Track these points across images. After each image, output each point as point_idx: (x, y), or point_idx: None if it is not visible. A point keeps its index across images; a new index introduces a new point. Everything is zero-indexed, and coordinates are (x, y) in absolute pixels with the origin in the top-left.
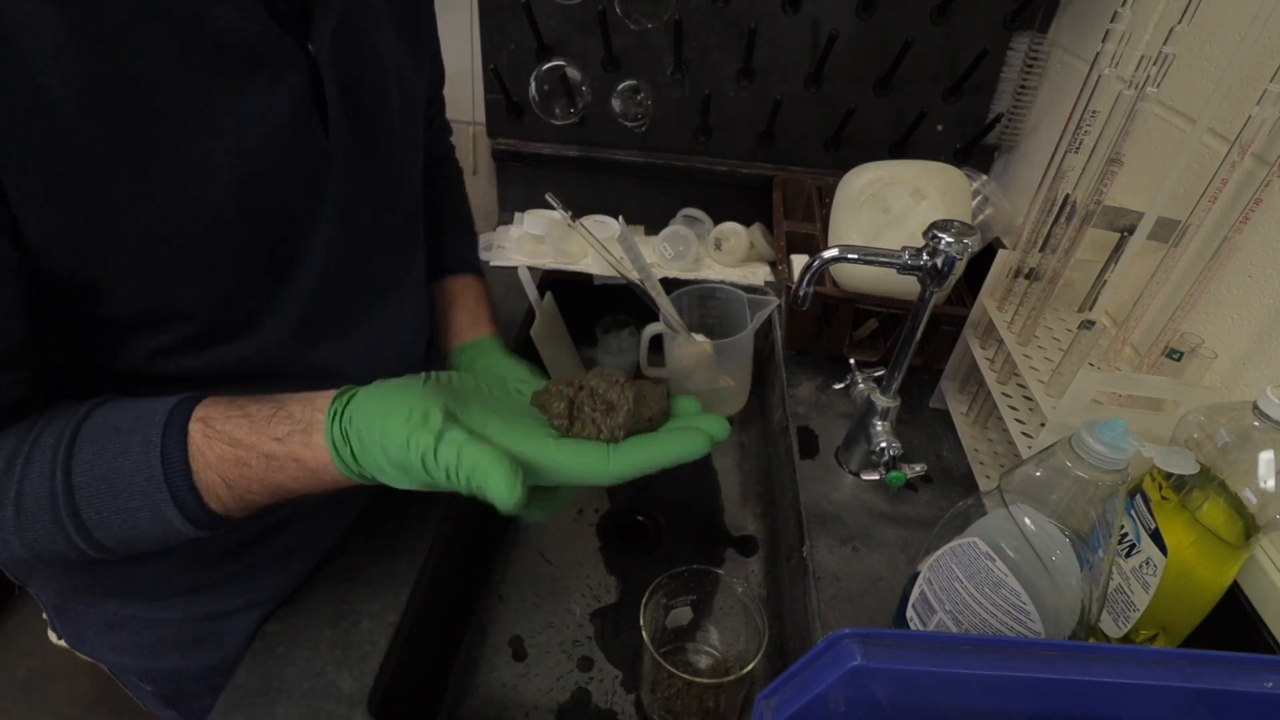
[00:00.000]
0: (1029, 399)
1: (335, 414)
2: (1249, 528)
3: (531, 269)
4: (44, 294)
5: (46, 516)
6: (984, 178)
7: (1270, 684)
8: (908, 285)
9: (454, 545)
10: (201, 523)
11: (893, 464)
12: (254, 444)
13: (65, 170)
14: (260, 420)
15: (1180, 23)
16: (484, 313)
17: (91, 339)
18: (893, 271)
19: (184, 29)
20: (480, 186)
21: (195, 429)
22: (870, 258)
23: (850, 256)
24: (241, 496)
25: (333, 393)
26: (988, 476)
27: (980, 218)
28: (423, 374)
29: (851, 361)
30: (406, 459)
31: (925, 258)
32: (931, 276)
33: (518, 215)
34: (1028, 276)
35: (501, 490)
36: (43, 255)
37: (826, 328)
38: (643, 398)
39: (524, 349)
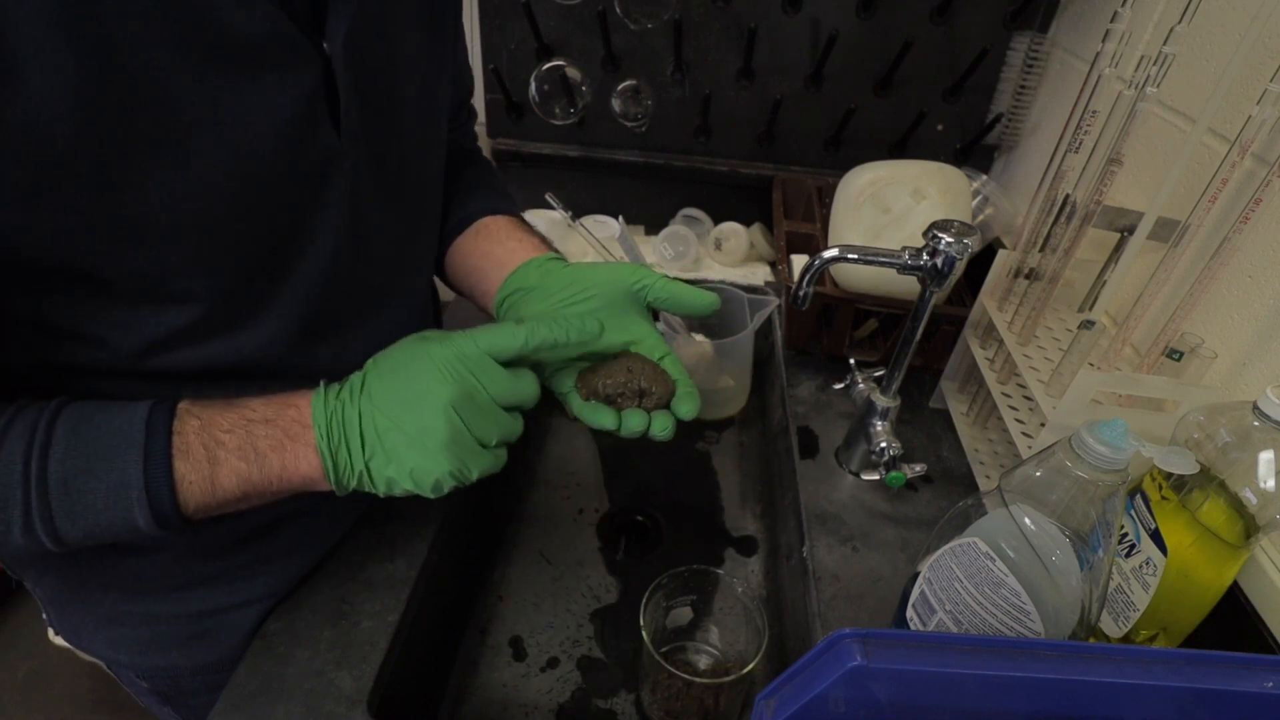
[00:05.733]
0: (1029, 399)
1: (321, 393)
2: (1249, 528)
3: None
4: (23, 276)
5: (15, 510)
6: (984, 178)
7: (1270, 684)
8: (908, 285)
9: (454, 545)
10: (166, 518)
11: (893, 464)
12: (239, 414)
13: (42, 160)
14: (240, 403)
15: (1180, 23)
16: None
17: (88, 327)
18: (893, 271)
19: (184, 25)
20: None
21: (182, 407)
22: (870, 258)
23: (850, 256)
24: (212, 479)
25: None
26: (988, 476)
27: (980, 218)
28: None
29: (851, 361)
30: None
31: (925, 258)
32: (931, 276)
33: None
34: (1028, 276)
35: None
36: (14, 238)
37: (826, 328)
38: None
39: None
